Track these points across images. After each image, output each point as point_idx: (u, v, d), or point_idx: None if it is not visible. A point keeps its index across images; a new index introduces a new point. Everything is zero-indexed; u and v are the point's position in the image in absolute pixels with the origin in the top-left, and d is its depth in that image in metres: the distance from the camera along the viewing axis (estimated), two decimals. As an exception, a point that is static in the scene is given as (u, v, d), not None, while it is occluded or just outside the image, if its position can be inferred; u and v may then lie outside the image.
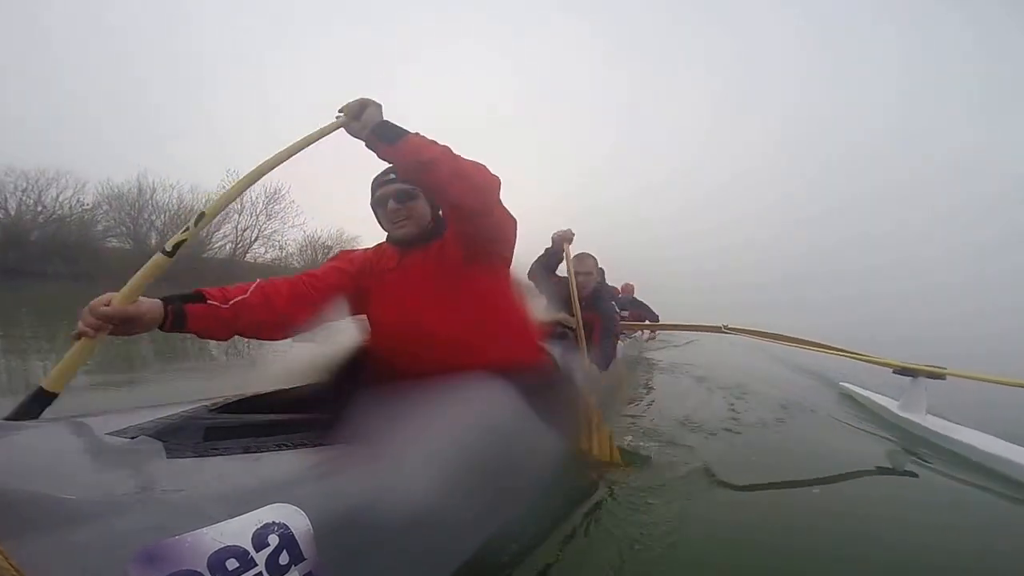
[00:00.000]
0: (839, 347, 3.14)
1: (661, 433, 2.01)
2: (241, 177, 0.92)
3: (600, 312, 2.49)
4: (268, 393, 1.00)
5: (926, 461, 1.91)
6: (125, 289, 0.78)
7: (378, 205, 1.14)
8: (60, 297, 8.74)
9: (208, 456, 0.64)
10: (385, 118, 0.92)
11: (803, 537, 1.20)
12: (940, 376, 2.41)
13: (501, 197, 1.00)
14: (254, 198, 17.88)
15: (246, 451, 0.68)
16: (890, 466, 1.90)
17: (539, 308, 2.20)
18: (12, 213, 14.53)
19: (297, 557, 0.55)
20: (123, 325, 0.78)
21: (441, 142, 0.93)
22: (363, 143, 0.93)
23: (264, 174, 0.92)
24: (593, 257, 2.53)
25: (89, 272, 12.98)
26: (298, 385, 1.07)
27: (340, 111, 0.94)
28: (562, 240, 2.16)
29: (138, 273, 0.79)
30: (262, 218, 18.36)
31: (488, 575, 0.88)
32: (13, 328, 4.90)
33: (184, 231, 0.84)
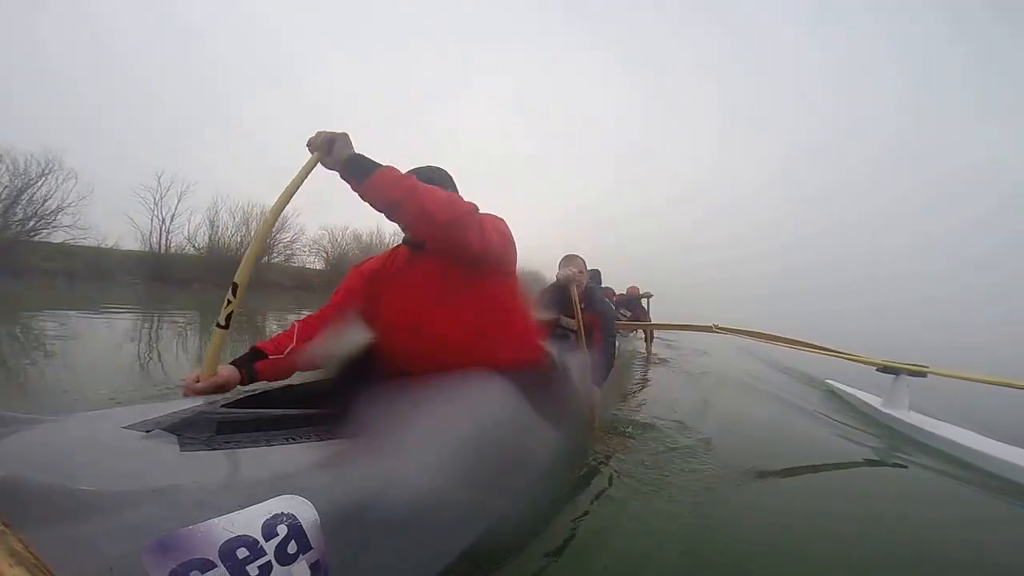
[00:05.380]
0: (825, 346, 3.21)
1: (653, 430, 2.05)
2: (252, 240, 1.00)
3: (599, 312, 2.53)
4: (278, 389, 1.02)
5: (909, 455, 1.96)
6: (206, 365, 0.95)
7: None
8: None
9: (220, 449, 0.65)
10: (355, 150, 0.91)
11: (790, 530, 1.23)
12: (921, 374, 2.48)
13: (479, 223, 0.99)
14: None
15: (256, 444, 0.69)
16: (874, 460, 1.95)
17: (540, 310, 2.27)
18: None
19: (305, 546, 0.56)
20: (216, 391, 0.95)
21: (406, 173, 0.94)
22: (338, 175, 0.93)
23: (271, 227, 1.03)
24: (581, 258, 2.57)
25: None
26: (307, 381, 1.08)
27: (308, 145, 0.94)
28: (568, 281, 2.22)
29: (209, 350, 0.96)
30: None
31: (490, 564, 0.90)
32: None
33: (228, 305, 0.94)
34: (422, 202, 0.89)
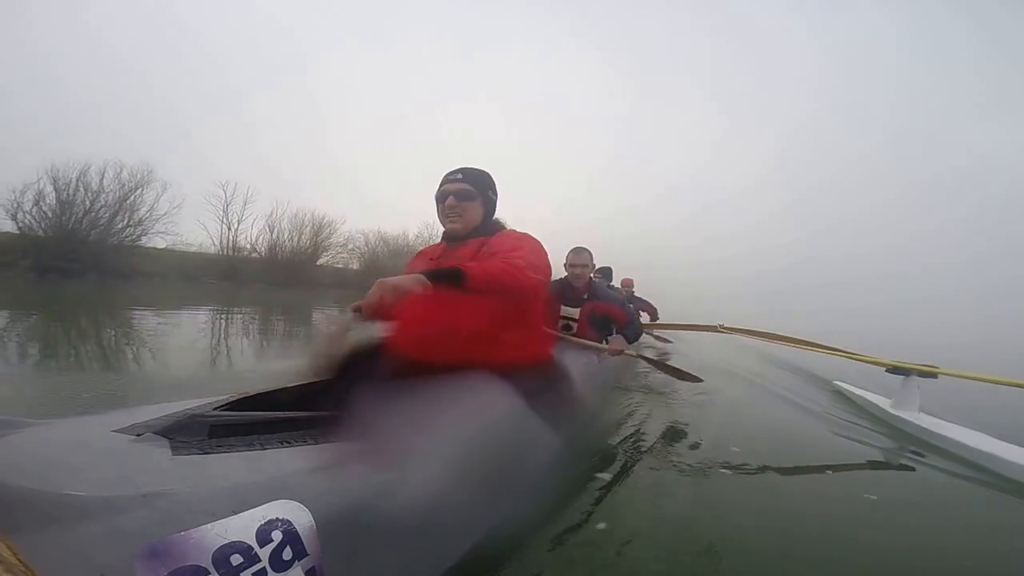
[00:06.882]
0: (832, 346, 3.17)
1: (657, 431, 2.03)
2: None
3: (608, 300, 2.55)
4: (272, 390, 1.01)
5: (919, 458, 1.93)
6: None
7: (439, 199, 1.21)
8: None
9: (213, 453, 0.64)
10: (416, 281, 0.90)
11: (796, 534, 1.21)
12: (932, 375, 2.44)
13: (526, 275, 1.06)
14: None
15: (250, 448, 0.68)
16: (883, 462, 1.92)
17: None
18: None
19: (300, 552, 0.55)
20: None
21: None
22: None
23: None
24: (588, 251, 2.57)
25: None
26: (302, 383, 1.07)
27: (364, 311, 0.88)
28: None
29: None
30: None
31: (490, 570, 0.89)
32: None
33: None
34: (495, 284, 0.98)
